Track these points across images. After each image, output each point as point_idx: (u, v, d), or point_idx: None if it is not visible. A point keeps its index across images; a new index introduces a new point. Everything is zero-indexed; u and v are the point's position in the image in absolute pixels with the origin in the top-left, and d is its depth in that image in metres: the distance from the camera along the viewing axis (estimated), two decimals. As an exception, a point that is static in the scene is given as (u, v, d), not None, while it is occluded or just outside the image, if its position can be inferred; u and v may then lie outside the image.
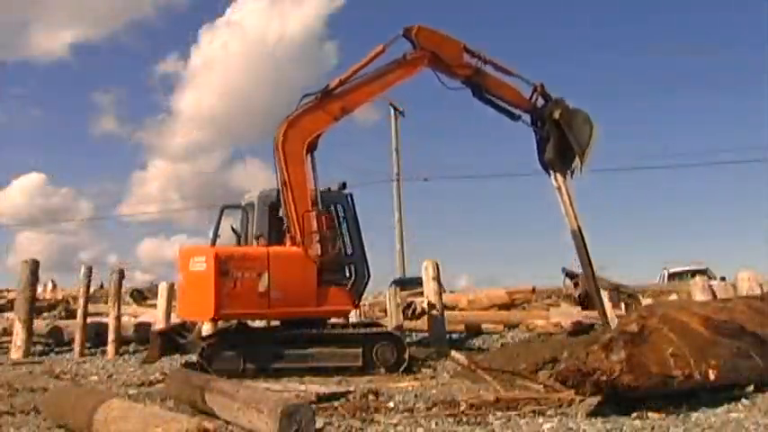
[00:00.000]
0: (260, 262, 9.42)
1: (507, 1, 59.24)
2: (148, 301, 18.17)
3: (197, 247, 10.02)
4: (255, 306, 9.44)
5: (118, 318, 12.57)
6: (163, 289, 13.94)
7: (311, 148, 10.21)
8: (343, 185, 10.64)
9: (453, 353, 8.71)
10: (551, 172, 11.08)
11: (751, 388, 5.94)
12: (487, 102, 10.96)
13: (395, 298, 12.69)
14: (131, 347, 12.80)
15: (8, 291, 18.70)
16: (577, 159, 10.94)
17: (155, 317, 13.96)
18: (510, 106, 11.03)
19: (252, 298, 9.32)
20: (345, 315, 10.65)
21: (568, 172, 11.00)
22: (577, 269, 16.02)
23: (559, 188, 11.03)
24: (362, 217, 10.59)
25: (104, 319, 13.14)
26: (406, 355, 9.37)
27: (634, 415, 5.37)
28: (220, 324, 12.00)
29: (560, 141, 10.91)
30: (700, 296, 11.67)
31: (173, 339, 10.12)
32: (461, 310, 14.64)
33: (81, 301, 12.85)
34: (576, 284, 15.54)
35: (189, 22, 63.57)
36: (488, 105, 11.04)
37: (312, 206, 9.84)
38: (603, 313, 10.89)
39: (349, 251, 10.21)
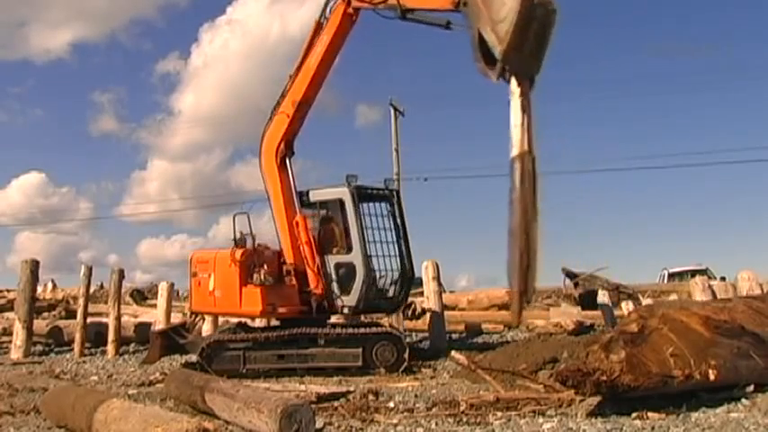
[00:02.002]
0: (210, 264, 10.12)
1: (507, 1, 59.05)
2: (148, 301, 18.18)
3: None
4: (208, 304, 10.31)
5: (118, 318, 12.57)
6: (163, 289, 13.94)
7: (284, 153, 10.32)
8: (347, 180, 10.13)
9: (453, 353, 8.69)
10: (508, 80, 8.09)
11: (751, 388, 5.94)
12: (413, 19, 9.58)
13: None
14: (131, 347, 12.80)
15: (8, 291, 18.71)
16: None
17: (155, 317, 13.97)
18: (434, 13, 9.45)
19: (206, 296, 10.13)
20: (253, 317, 10.28)
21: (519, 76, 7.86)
22: (577, 269, 16.13)
23: (511, 98, 8.08)
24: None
25: (104, 319, 13.14)
26: (406, 355, 9.36)
27: (634, 415, 5.37)
28: (220, 324, 12.08)
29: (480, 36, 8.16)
30: (700, 296, 11.68)
31: (173, 339, 10.13)
32: (461, 310, 14.64)
33: (81, 301, 12.86)
34: (576, 284, 15.56)
35: (189, 21, 63.32)
36: (418, 23, 9.61)
37: (289, 210, 10.12)
38: (522, 285, 7.59)
39: (348, 251, 10.04)
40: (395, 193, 10.82)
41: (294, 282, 9.93)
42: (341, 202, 10.08)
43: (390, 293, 10.35)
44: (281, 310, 9.82)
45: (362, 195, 10.22)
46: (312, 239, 10.02)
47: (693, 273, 18.06)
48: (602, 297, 12.51)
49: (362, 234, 9.92)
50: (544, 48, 8.01)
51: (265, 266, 9.76)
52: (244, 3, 64.99)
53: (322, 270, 9.95)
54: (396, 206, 10.56)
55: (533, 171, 7.69)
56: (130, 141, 63.46)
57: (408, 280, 10.51)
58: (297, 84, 10.20)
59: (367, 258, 9.86)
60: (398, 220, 10.53)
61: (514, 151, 7.71)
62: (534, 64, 8.02)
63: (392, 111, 31.92)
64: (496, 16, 7.89)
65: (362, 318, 10.97)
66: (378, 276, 10.17)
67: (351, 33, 10.18)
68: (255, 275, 9.67)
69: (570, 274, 16.00)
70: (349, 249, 10.00)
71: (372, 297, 9.97)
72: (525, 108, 7.84)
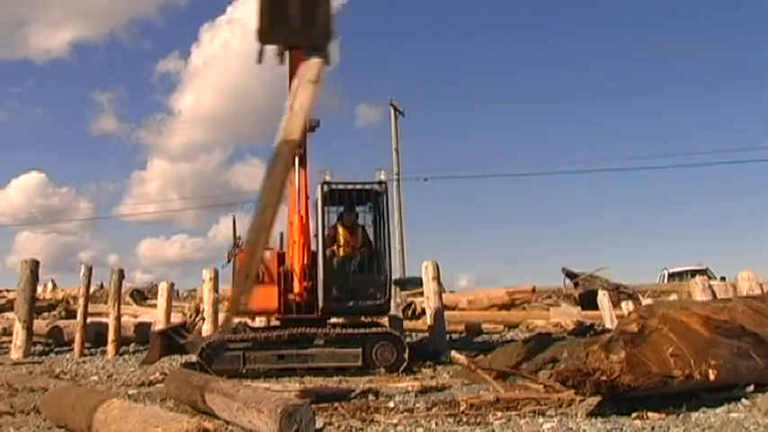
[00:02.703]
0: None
1: (507, 2, 59.21)
2: (148, 301, 18.19)
3: None
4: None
5: (118, 318, 12.57)
6: (163, 289, 13.94)
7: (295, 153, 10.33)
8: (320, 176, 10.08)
9: (453, 353, 8.70)
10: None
11: (751, 388, 5.93)
12: None
13: (395, 298, 12.68)
14: (131, 347, 12.80)
15: (8, 291, 18.71)
16: None
17: (155, 317, 13.97)
18: None
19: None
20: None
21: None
22: (577, 269, 16.14)
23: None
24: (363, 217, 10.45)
25: (104, 319, 13.14)
26: (406, 355, 9.36)
27: (634, 415, 5.36)
28: (219, 323, 12.11)
29: None
30: (700, 296, 11.68)
31: (173, 339, 10.12)
32: (461, 310, 14.66)
33: (81, 301, 12.86)
34: (576, 284, 15.59)
35: (189, 21, 63.40)
36: None
37: (292, 211, 10.03)
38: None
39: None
40: (381, 185, 10.18)
41: (280, 282, 9.79)
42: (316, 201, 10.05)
43: (368, 295, 9.86)
44: (252, 308, 9.69)
45: (339, 192, 10.04)
46: (300, 240, 9.90)
47: (693, 273, 18.10)
48: (602, 298, 12.52)
49: (322, 233, 9.80)
50: (320, 13, 7.09)
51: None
52: (244, 3, 64.68)
53: (308, 271, 9.85)
54: (380, 202, 10.14)
55: (287, 165, 6.80)
56: (130, 141, 63.58)
57: (386, 281, 9.89)
58: None
59: (324, 259, 9.69)
60: (380, 218, 10.13)
61: (278, 137, 6.76)
62: (314, 34, 7.08)
63: (392, 111, 31.96)
64: None
65: (363, 318, 10.98)
66: (350, 278, 9.85)
67: None
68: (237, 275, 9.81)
69: (570, 274, 16.05)
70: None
71: (344, 298, 9.72)
72: (297, 88, 6.98)
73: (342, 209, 10.33)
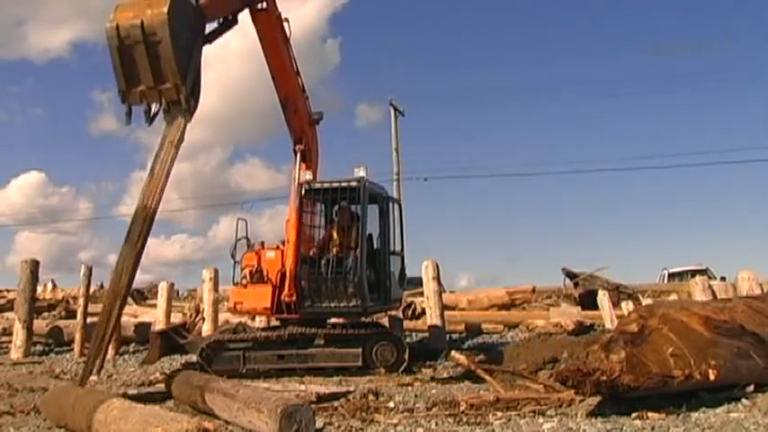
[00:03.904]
0: None
1: (507, 2, 59.24)
2: (148, 301, 18.18)
3: None
4: None
5: (118, 318, 12.54)
6: (163, 289, 13.94)
7: (295, 151, 10.33)
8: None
9: (453, 353, 8.69)
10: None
11: (751, 388, 5.94)
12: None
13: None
14: (131, 347, 12.79)
15: (8, 291, 18.71)
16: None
17: (155, 317, 13.96)
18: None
19: None
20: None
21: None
22: (577, 269, 16.14)
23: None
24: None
25: (104, 319, 13.11)
26: (406, 355, 9.34)
27: (634, 415, 5.37)
28: (220, 324, 12.08)
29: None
30: (700, 296, 11.68)
31: (173, 339, 10.12)
32: (461, 310, 14.64)
33: (81, 301, 12.85)
34: (576, 284, 15.57)
35: (189, 21, 63.04)
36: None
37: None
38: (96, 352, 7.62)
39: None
40: (360, 182, 9.78)
41: (275, 282, 9.66)
42: None
43: (342, 297, 9.45)
44: (245, 308, 9.89)
45: (316, 191, 9.98)
46: (289, 240, 9.79)
47: (693, 273, 18.07)
48: (602, 298, 12.52)
49: (298, 233, 9.61)
50: (167, 69, 7.11)
51: (253, 266, 9.75)
52: (244, 2, 64.76)
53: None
54: (359, 200, 9.77)
55: (145, 231, 7.04)
56: (130, 141, 63.42)
57: (359, 283, 9.39)
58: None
59: (302, 260, 9.54)
60: (358, 217, 9.89)
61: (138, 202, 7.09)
62: (167, 91, 7.20)
63: (392, 111, 31.92)
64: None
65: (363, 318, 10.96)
66: (324, 280, 9.51)
67: (266, 22, 9.97)
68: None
69: (570, 274, 16.01)
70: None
71: (318, 301, 9.49)
72: (159, 151, 7.20)
73: (335, 208, 10.24)
